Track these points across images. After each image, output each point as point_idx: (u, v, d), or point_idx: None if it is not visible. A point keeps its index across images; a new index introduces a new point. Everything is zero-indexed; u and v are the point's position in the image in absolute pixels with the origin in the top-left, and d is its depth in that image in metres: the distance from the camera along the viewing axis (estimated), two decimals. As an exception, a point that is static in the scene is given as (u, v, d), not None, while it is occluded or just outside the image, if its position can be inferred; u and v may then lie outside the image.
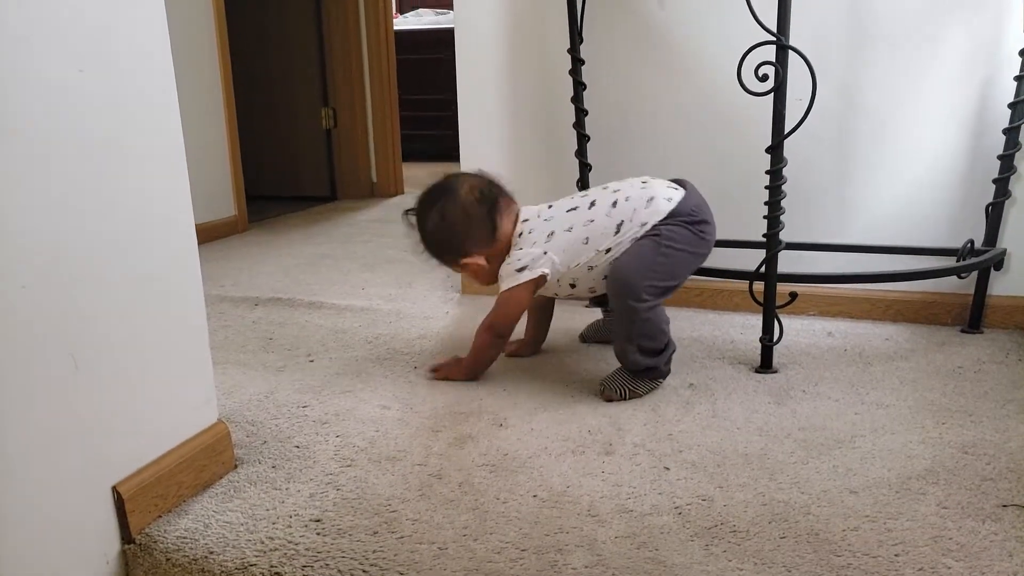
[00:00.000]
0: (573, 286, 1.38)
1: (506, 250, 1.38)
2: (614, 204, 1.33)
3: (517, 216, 1.40)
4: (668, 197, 1.32)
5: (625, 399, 1.32)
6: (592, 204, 1.35)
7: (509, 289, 1.35)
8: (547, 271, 1.34)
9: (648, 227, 1.30)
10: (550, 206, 1.40)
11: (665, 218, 1.30)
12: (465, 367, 1.42)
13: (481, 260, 1.38)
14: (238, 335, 1.71)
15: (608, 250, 1.32)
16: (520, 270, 1.34)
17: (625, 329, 1.30)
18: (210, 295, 1.99)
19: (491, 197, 1.37)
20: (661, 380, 1.36)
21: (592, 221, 1.33)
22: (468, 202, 1.36)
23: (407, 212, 1.42)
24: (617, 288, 1.29)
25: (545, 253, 1.34)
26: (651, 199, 1.32)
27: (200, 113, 2.65)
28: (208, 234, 2.65)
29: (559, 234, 1.34)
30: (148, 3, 0.92)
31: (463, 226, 1.36)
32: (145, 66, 0.92)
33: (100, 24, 0.85)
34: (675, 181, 1.39)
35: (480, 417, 1.26)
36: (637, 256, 1.30)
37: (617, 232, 1.31)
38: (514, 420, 1.24)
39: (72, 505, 0.86)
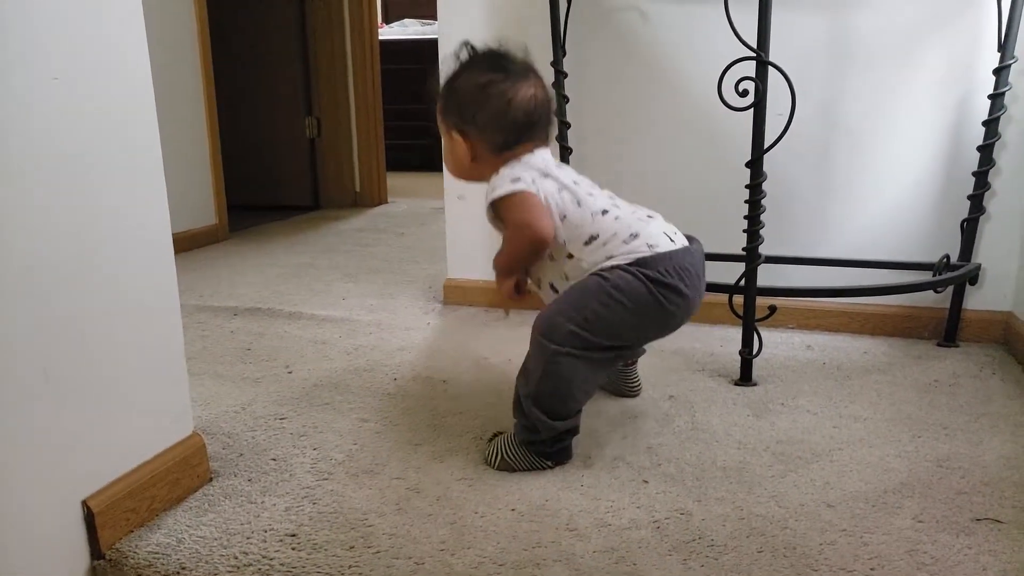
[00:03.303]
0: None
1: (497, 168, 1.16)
2: (603, 212, 1.11)
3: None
4: (652, 243, 1.08)
5: (492, 466, 1.12)
6: (590, 195, 1.14)
7: (511, 195, 1.10)
8: (544, 196, 1.10)
9: (610, 263, 1.08)
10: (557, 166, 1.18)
11: (632, 263, 1.07)
12: (498, 270, 1.18)
13: (468, 148, 1.16)
14: (216, 345, 1.69)
15: (569, 256, 1.11)
16: (514, 181, 1.11)
17: (530, 369, 1.09)
18: (189, 305, 1.97)
19: (535, 122, 1.16)
20: (548, 464, 1.11)
21: (579, 206, 1.11)
22: (519, 101, 1.13)
23: (467, 43, 1.19)
24: (538, 320, 1.09)
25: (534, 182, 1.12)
26: (636, 235, 1.09)
27: (182, 121, 2.63)
28: (188, 242, 2.63)
29: (552, 185, 1.12)
30: (126, 11, 0.92)
31: (490, 114, 1.14)
32: (121, 74, 0.92)
33: (76, 31, 0.84)
34: (687, 237, 1.17)
35: (460, 431, 1.26)
36: (575, 291, 1.09)
37: (587, 244, 1.10)
38: (496, 431, 1.23)
39: (39, 519, 0.84)
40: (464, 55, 1.18)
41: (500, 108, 1.13)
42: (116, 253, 0.92)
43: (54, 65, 0.82)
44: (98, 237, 0.89)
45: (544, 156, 1.17)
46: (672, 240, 1.11)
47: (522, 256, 1.13)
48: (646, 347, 1.34)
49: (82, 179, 0.87)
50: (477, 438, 1.22)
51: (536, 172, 1.12)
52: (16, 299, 0.79)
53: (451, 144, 1.19)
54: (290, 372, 1.53)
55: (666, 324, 1.12)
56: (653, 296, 1.06)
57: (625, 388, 1.37)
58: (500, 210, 1.12)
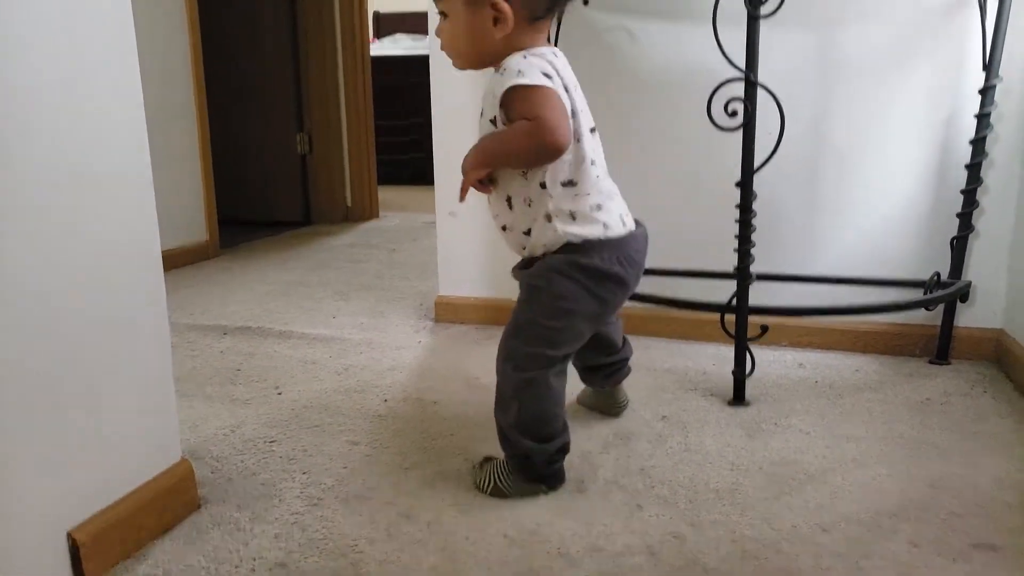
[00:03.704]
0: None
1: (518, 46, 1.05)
2: (592, 163, 1.06)
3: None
4: (608, 225, 1.06)
5: (484, 492, 1.10)
6: (591, 131, 1.08)
7: (538, 88, 0.98)
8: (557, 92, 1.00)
9: (566, 233, 1.04)
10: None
11: (582, 244, 1.04)
12: (476, 153, 1.07)
13: (508, 13, 1.02)
14: (205, 366, 1.68)
15: (542, 185, 1.03)
16: (544, 75, 1.00)
17: (504, 399, 1.08)
18: (179, 323, 1.96)
19: None
20: (542, 489, 1.10)
21: (577, 141, 1.04)
22: None
23: None
24: (499, 348, 1.09)
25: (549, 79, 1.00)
26: (599, 207, 1.06)
27: (173, 137, 2.62)
28: (179, 259, 2.61)
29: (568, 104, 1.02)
30: (116, 25, 0.91)
31: None
32: (111, 89, 0.91)
33: (65, 46, 0.84)
34: (634, 220, 1.14)
35: (452, 454, 1.25)
36: (522, 310, 1.07)
37: (564, 185, 1.04)
38: (487, 455, 1.22)
39: (23, 551, 0.83)
40: None
41: None
42: (104, 274, 0.91)
43: (44, 79, 0.81)
44: (86, 258, 0.88)
45: (565, 61, 1.08)
46: (624, 223, 1.09)
47: (523, 154, 1.02)
48: (631, 367, 1.36)
49: (69, 195, 0.86)
50: (468, 461, 1.21)
51: (559, 80, 1.02)
52: None
53: (472, 13, 1.03)
54: (280, 393, 1.52)
55: (607, 314, 1.12)
56: (594, 296, 1.06)
57: (611, 407, 1.37)
58: (516, 100, 0.99)
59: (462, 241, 1.95)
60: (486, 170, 1.07)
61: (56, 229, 0.84)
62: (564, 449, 1.11)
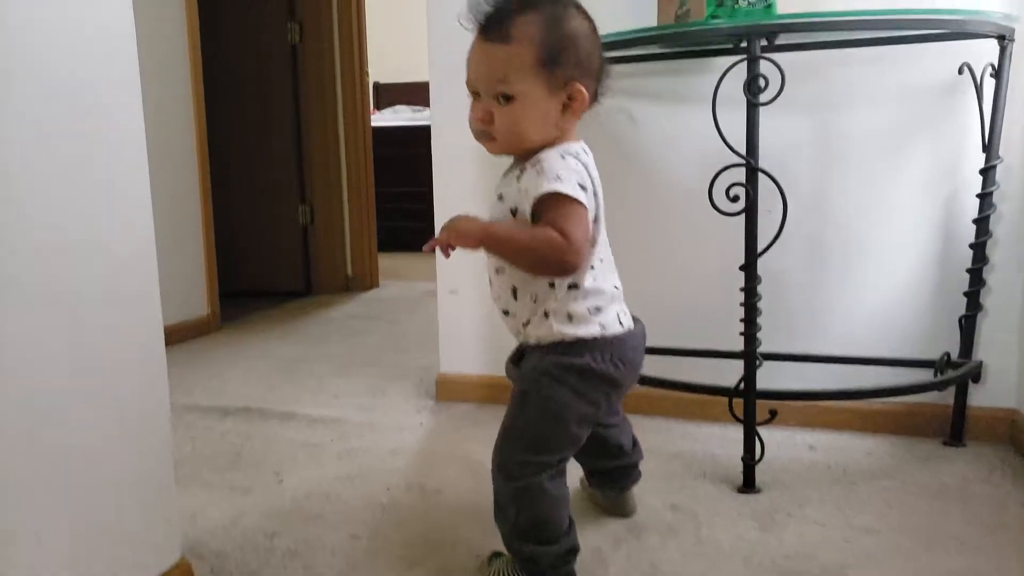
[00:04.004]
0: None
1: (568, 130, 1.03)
2: (591, 267, 1.03)
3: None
4: (605, 325, 1.03)
5: None
6: (593, 245, 1.04)
7: (574, 202, 0.95)
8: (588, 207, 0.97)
9: (562, 332, 1.01)
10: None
11: (575, 343, 1.01)
12: (485, 230, 0.98)
13: (581, 99, 0.99)
14: (205, 448, 1.65)
15: (551, 284, 1.02)
16: (583, 188, 0.97)
17: (503, 507, 1.06)
18: (178, 404, 1.93)
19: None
20: None
21: (592, 246, 1.02)
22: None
23: None
24: (493, 456, 1.07)
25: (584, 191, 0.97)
26: (599, 310, 1.03)
27: (176, 213, 2.64)
28: (180, 335, 2.59)
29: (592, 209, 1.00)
30: (124, 98, 0.92)
31: (594, 55, 1.01)
32: (116, 162, 0.92)
33: (73, 119, 0.84)
34: (632, 318, 1.10)
35: (456, 548, 1.21)
36: (515, 414, 1.05)
37: (568, 288, 1.01)
38: (494, 550, 1.18)
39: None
40: None
41: (594, 52, 1.02)
42: (106, 365, 0.90)
43: (52, 153, 0.81)
44: (90, 350, 0.87)
45: (592, 158, 1.05)
46: (621, 323, 1.05)
47: (535, 261, 0.97)
48: (642, 472, 1.32)
49: (68, 271, 0.85)
50: (474, 556, 1.18)
51: (591, 188, 1.00)
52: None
53: (549, 98, 0.98)
54: (280, 481, 1.48)
55: (600, 413, 1.08)
56: (584, 398, 1.02)
57: (619, 511, 1.31)
58: (549, 206, 0.95)
59: (463, 318, 1.94)
60: (479, 247, 0.99)
61: (55, 308, 0.83)
62: (573, 551, 1.07)
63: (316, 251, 3.58)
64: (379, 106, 5.44)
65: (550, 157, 0.99)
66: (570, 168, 0.97)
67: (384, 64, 5.11)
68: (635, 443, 1.29)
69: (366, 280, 3.61)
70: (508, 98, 0.98)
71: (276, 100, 3.47)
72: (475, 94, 1.03)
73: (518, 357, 1.13)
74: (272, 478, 1.49)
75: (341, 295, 3.51)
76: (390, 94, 5.56)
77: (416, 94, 5.25)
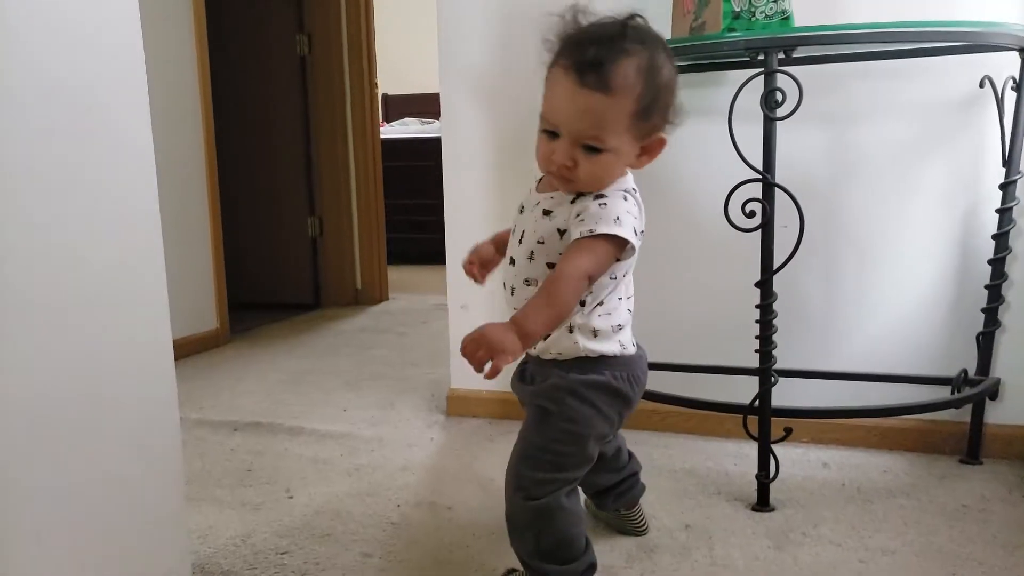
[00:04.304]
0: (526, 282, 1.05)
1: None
2: (628, 295, 1.05)
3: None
4: (624, 343, 1.04)
5: None
6: (626, 274, 1.04)
7: (612, 241, 0.94)
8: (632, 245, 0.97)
9: (584, 348, 1.00)
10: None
11: (598, 359, 1.01)
12: (525, 335, 0.91)
13: (658, 146, 0.99)
14: (215, 465, 1.64)
15: (582, 301, 1.00)
16: (638, 232, 0.97)
17: (520, 528, 1.04)
18: (188, 419, 1.92)
19: None
20: None
21: (625, 275, 1.03)
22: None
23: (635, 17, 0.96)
24: (507, 476, 1.05)
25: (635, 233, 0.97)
26: (621, 327, 1.04)
27: (185, 225, 2.64)
28: (189, 348, 2.59)
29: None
30: (131, 111, 0.92)
31: (677, 103, 0.99)
32: (124, 175, 0.91)
33: (78, 133, 0.84)
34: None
35: (469, 566, 1.20)
36: (531, 431, 1.04)
37: (596, 305, 1.01)
38: (507, 567, 1.17)
39: None
40: (637, 33, 0.94)
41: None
42: (111, 378, 0.89)
43: (60, 165, 0.81)
44: (95, 358, 0.86)
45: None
46: (634, 344, 1.07)
47: (574, 305, 0.96)
48: (645, 483, 1.30)
49: (78, 284, 0.84)
50: (487, 575, 1.16)
51: (639, 226, 0.98)
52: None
53: (624, 152, 0.96)
54: (291, 497, 1.47)
55: (613, 432, 1.12)
56: (604, 416, 1.02)
57: (632, 529, 1.30)
58: (595, 244, 0.94)
59: (475, 333, 1.93)
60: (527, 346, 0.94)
61: (58, 323, 0.82)
62: (592, 568, 1.06)
63: (325, 264, 3.58)
64: (388, 118, 5.45)
65: (615, 197, 0.97)
66: (629, 212, 0.96)
67: (393, 76, 5.13)
68: (630, 454, 1.28)
69: (375, 293, 3.60)
70: (597, 151, 0.94)
71: (285, 112, 3.48)
72: (552, 132, 0.96)
73: (526, 376, 1.11)
74: (282, 495, 1.48)
75: (350, 308, 3.51)
76: (399, 106, 5.58)
77: (426, 106, 5.27)
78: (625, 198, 0.97)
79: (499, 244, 1.19)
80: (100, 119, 0.87)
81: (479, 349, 0.88)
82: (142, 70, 0.94)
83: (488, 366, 0.89)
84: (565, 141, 0.94)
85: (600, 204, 0.95)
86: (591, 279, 0.95)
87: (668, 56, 0.96)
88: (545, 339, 1.03)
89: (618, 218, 0.94)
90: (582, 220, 0.95)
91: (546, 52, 0.97)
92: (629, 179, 1.02)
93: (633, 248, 0.97)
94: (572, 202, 0.99)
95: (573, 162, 0.95)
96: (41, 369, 0.80)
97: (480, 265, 1.19)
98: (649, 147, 0.99)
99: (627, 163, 0.99)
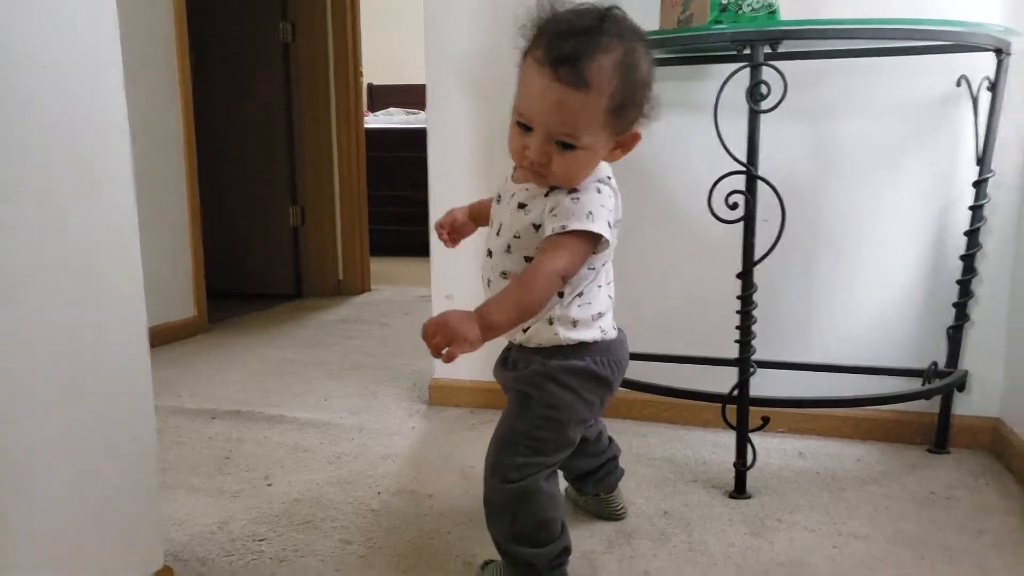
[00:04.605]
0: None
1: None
2: (608, 281, 1.06)
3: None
4: (604, 329, 1.05)
5: None
6: (604, 264, 1.05)
7: (585, 236, 0.94)
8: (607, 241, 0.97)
9: (564, 337, 1.01)
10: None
11: (576, 345, 1.02)
12: (487, 327, 0.90)
13: (632, 141, 0.99)
14: (193, 453, 1.63)
15: (561, 293, 1.00)
16: (614, 223, 0.99)
17: (497, 513, 1.05)
18: (165, 407, 1.91)
19: None
20: None
21: (604, 265, 1.04)
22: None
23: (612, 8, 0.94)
24: (486, 462, 1.05)
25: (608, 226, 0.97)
26: (602, 315, 1.05)
27: (162, 210, 2.62)
28: (166, 336, 2.57)
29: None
30: (107, 93, 0.91)
31: (653, 98, 0.99)
32: (100, 157, 0.90)
33: (53, 115, 0.83)
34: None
35: (449, 554, 1.21)
36: (511, 417, 1.05)
37: (576, 295, 1.02)
38: (486, 558, 1.18)
39: None
40: (614, 25, 0.92)
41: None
42: (83, 358, 0.88)
43: (33, 143, 0.80)
44: (67, 344, 0.85)
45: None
46: (614, 328, 1.08)
47: (544, 302, 0.95)
48: (624, 468, 1.32)
49: (48, 268, 0.84)
50: (467, 564, 1.17)
51: (614, 218, 0.99)
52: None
53: (598, 148, 0.96)
54: (269, 485, 1.47)
55: (594, 417, 1.11)
56: (585, 401, 1.03)
57: (610, 514, 1.32)
58: (568, 240, 0.94)
59: (457, 323, 1.93)
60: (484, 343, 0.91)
61: (28, 308, 0.82)
62: (566, 551, 1.07)
63: (307, 254, 3.57)
64: (373, 108, 5.43)
65: (588, 190, 0.97)
66: (603, 206, 0.96)
67: (378, 65, 5.11)
68: (610, 439, 1.30)
69: (358, 284, 3.59)
70: (571, 147, 0.93)
71: (268, 100, 3.46)
72: (525, 125, 0.95)
73: (508, 363, 1.12)
74: (261, 482, 1.48)
75: (332, 299, 3.50)
76: (384, 96, 5.56)
77: (411, 96, 5.24)
78: (599, 189, 0.97)
79: (475, 213, 1.19)
80: (74, 102, 0.86)
81: (437, 335, 0.87)
82: (118, 53, 0.92)
83: (445, 351, 0.87)
84: (539, 136, 0.93)
85: (573, 199, 0.95)
86: (565, 277, 0.95)
87: (646, 50, 0.95)
88: (525, 331, 1.04)
89: (590, 213, 0.94)
90: (555, 215, 0.95)
91: (521, 39, 0.95)
92: (603, 168, 1.02)
93: (607, 242, 0.97)
94: (546, 195, 0.99)
95: (547, 158, 0.94)
96: (9, 354, 0.80)
97: (452, 230, 1.19)
98: (623, 141, 0.99)
99: (601, 158, 0.99)
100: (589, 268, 1.01)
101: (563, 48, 0.89)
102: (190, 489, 1.45)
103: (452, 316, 0.88)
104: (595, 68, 0.89)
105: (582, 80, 0.89)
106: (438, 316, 0.88)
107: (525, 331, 1.05)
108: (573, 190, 0.97)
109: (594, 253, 0.98)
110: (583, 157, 0.94)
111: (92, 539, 0.91)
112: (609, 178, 1.02)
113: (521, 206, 1.01)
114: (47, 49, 0.83)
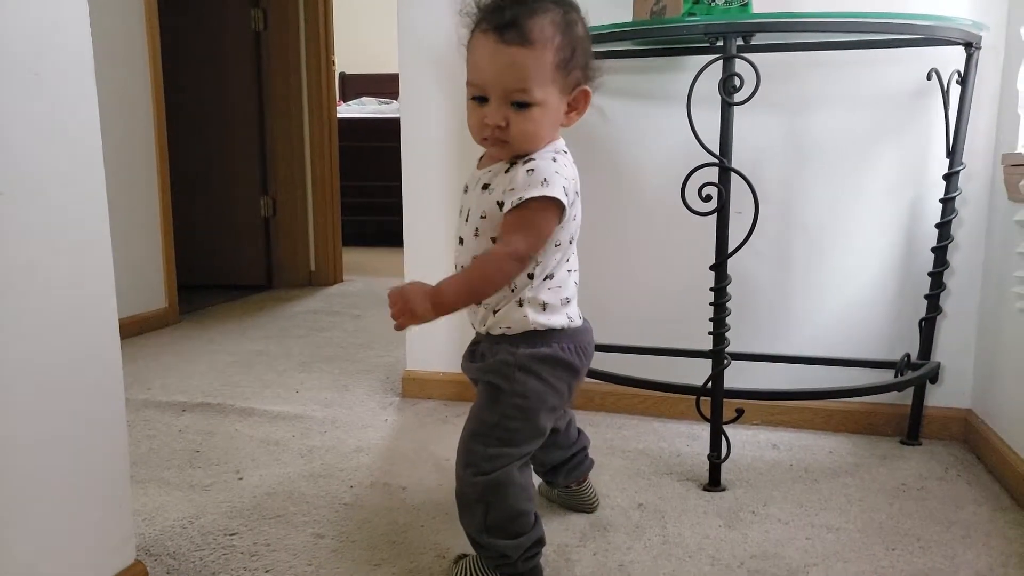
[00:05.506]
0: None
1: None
2: (567, 259, 1.06)
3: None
4: (571, 316, 1.06)
5: None
6: (571, 241, 1.06)
7: (541, 205, 0.96)
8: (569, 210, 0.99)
9: (533, 321, 1.01)
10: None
11: (546, 332, 1.03)
12: (439, 304, 0.94)
13: (585, 100, 1.02)
14: (163, 446, 1.60)
15: (531, 274, 1.01)
16: (572, 191, 1.00)
17: (469, 505, 1.05)
18: (135, 400, 1.88)
19: None
20: None
21: (570, 243, 1.05)
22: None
23: None
24: (458, 455, 1.05)
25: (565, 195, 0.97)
26: (568, 301, 1.05)
27: (132, 200, 2.56)
28: (136, 327, 2.52)
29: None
30: (77, 85, 0.88)
31: (593, 58, 1.02)
32: (69, 149, 0.88)
33: (27, 116, 0.80)
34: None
35: (423, 547, 1.19)
36: (481, 408, 1.04)
37: (544, 279, 1.02)
38: (460, 551, 1.17)
39: None
40: None
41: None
42: (51, 351, 0.86)
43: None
44: (34, 335, 0.83)
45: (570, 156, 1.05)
46: (580, 317, 1.09)
47: (497, 287, 0.99)
48: (594, 459, 1.32)
49: (14, 258, 0.81)
50: (440, 557, 1.16)
51: (573, 189, 1.00)
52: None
53: (560, 102, 0.99)
54: (240, 479, 1.45)
55: (564, 404, 1.10)
56: (554, 389, 1.04)
57: (582, 505, 1.31)
58: (525, 210, 0.95)
59: (431, 314, 1.92)
60: (438, 317, 0.96)
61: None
62: (540, 542, 1.07)
63: (278, 244, 3.52)
64: (345, 97, 5.37)
65: (543, 158, 0.99)
66: (558, 173, 0.97)
67: (351, 54, 5.05)
68: (579, 430, 1.30)
69: (329, 275, 3.56)
70: (526, 105, 0.96)
71: (238, 89, 3.40)
72: (481, 97, 0.98)
73: (475, 355, 1.11)
74: (232, 476, 1.46)
75: (303, 290, 3.46)
76: (357, 85, 5.50)
77: (383, 85, 5.21)
78: (554, 159, 0.99)
79: None
80: (41, 93, 0.84)
81: (395, 303, 0.94)
82: (88, 41, 0.90)
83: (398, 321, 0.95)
84: (494, 102, 0.97)
85: (528, 171, 0.97)
86: (526, 257, 0.97)
87: (579, 14, 1.01)
88: (495, 313, 1.04)
89: (545, 180, 0.96)
90: (512, 189, 0.97)
91: (463, 26, 1.00)
92: (560, 142, 1.04)
93: (564, 207, 0.98)
94: (506, 172, 1.00)
95: (505, 121, 0.97)
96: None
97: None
98: (575, 102, 1.02)
99: (557, 119, 1.01)
100: (555, 244, 1.01)
101: (505, 15, 0.95)
102: (161, 483, 1.42)
103: (410, 289, 0.94)
104: (537, 27, 0.95)
105: (526, 38, 0.94)
106: (401, 285, 0.95)
107: (495, 313, 1.04)
108: (528, 160, 0.98)
109: (558, 223, 0.99)
110: (538, 114, 0.97)
111: (62, 534, 0.89)
112: (565, 152, 1.03)
113: (485, 187, 1.03)
114: (19, 37, 0.80)
